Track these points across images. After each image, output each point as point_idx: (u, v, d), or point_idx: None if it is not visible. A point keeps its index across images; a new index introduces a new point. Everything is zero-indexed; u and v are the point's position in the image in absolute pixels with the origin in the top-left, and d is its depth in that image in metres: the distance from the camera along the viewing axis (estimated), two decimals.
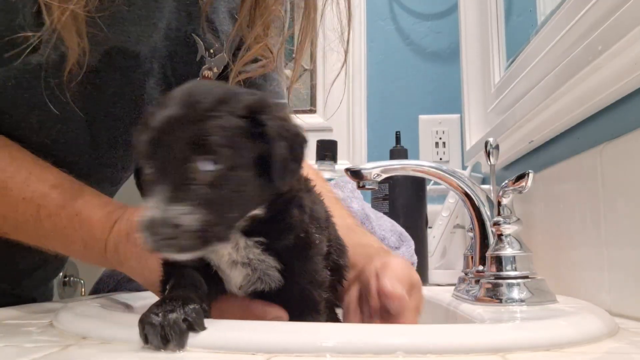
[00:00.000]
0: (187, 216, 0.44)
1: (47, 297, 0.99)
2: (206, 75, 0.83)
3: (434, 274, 1.40)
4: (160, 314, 0.43)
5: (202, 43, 0.80)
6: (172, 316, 0.43)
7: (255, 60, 0.84)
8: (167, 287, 0.51)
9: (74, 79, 0.66)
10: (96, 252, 0.63)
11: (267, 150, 0.48)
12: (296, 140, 0.50)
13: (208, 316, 0.48)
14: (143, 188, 0.51)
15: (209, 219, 0.45)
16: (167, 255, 0.47)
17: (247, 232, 0.52)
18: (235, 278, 0.54)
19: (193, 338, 0.44)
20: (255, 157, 0.48)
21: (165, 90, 0.79)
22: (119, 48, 0.72)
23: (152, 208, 0.44)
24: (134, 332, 0.46)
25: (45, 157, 0.70)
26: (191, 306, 0.44)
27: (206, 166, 0.45)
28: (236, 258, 0.52)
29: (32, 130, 0.71)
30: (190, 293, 0.48)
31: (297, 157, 0.50)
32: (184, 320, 0.43)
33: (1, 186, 0.64)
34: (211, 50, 0.82)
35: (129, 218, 0.62)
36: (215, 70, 0.84)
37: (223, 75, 0.85)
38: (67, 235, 0.64)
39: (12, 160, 0.66)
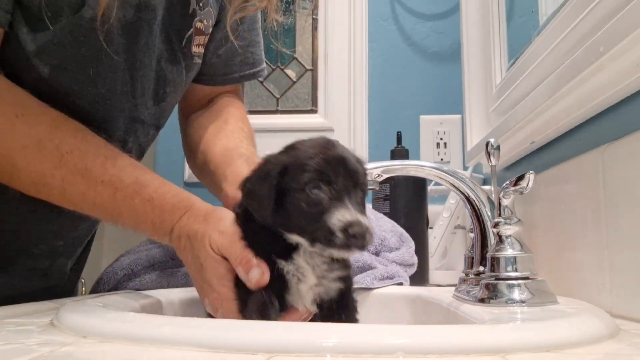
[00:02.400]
0: (370, 226, 0.61)
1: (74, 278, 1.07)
2: (198, 27, 0.90)
3: (434, 274, 1.40)
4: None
5: None
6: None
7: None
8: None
9: (105, 28, 0.74)
10: (162, 233, 0.73)
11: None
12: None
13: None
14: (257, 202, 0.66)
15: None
16: (344, 254, 0.65)
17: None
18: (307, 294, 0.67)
19: (194, 337, 0.44)
20: None
21: (164, 40, 0.86)
22: (145, 3, 0.79)
23: (353, 215, 0.61)
24: (134, 331, 0.46)
25: (102, 106, 0.80)
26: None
27: (358, 193, 0.64)
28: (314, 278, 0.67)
29: (89, 82, 0.79)
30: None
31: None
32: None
33: (82, 167, 0.71)
34: (200, 4, 0.88)
35: (195, 216, 0.71)
36: (205, 22, 0.91)
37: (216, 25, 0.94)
38: (139, 216, 0.72)
39: (88, 144, 0.73)
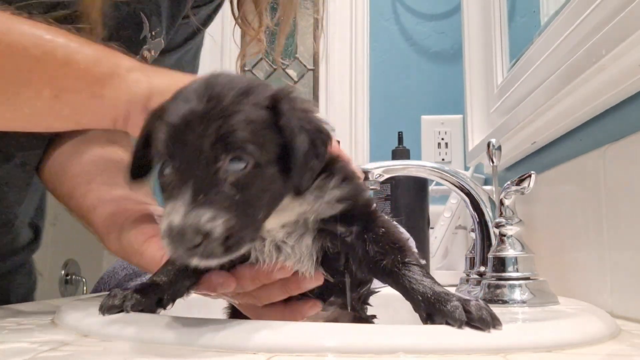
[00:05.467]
0: (214, 222, 0.41)
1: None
2: (145, 56, 0.83)
3: (435, 274, 1.38)
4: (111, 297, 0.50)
5: (147, 23, 0.80)
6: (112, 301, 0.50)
7: None
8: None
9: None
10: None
11: (287, 144, 0.46)
12: (318, 135, 0.48)
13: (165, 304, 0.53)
14: (161, 188, 0.48)
15: (237, 223, 0.43)
16: (191, 264, 0.45)
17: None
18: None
19: (194, 337, 0.44)
20: (278, 151, 0.46)
21: None
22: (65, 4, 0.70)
23: (174, 213, 0.41)
24: (135, 330, 0.46)
25: None
26: (134, 299, 0.50)
27: (234, 165, 0.44)
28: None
29: None
30: (163, 279, 0.52)
31: (318, 154, 0.47)
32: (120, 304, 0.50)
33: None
34: (153, 33, 0.82)
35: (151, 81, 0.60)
36: (152, 53, 0.84)
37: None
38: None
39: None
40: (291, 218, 0.52)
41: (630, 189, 0.66)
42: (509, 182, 0.77)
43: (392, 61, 1.94)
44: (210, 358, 0.41)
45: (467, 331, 0.44)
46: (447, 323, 0.44)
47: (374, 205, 0.56)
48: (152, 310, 0.51)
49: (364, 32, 1.94)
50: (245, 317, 0.65)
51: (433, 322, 0.46)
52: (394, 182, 1.36)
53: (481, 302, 0.45)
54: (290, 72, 2.03)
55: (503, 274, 0.73)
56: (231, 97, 0.45)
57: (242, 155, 0.44)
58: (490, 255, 0.76)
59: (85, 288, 3.13)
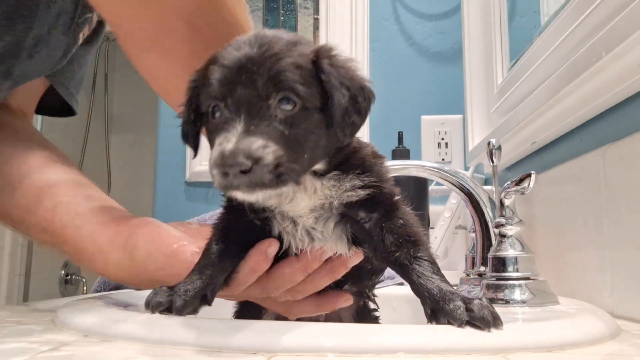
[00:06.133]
0: (265, 149, 0.43)
1: None
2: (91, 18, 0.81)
3: None
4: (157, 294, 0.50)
5: None
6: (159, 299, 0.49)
7: None
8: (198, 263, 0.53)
9: None
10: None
11: (329, 99, 0.48)
12: (360, 92, 0.50)
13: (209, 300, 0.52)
14: (189, 135, 0.53)
15: (285, 155, 0.44)
16: (235, 195, 0.46)
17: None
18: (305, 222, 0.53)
19: (194, 337, 0.44)
20: (322, 102, 0.48)
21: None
22: None
23: (226, 142, 0.43)
24: (135, 330, 0.46)
25: None
26: (182, 297, 0.49)
27: (283, 105, 0.46)
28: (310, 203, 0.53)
29: None
30: (203, 275, 0.51)
31: (360, 109, 0.50)
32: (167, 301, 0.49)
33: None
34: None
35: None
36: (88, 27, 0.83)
37: None
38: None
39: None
40: (319, 201, 0.53)
41: (630, 189, 0.66)
42: (509, 182, 0.77)
43: (392, 61, 1.94)
44: (210, 358, 0.41)
45: (468, 331, 0.44)
46: (449, 322, 0.45)
47: (398, 195, 0.57)
48: (196, 308, 0.51)
49: (364, 32, 1.94)
50: (250, 316, 0.65)
51: (436, 318, 0.47)
52: (394, 182, 1.36)
53: (484, 301, 0.45)
54: None
55: (503, 274, 0.73)
56: (280, 45, 0.48)
57: (291, 97, 0.46)
58: (490, 255, 0.76)
59: (85, 288, 3.14)
